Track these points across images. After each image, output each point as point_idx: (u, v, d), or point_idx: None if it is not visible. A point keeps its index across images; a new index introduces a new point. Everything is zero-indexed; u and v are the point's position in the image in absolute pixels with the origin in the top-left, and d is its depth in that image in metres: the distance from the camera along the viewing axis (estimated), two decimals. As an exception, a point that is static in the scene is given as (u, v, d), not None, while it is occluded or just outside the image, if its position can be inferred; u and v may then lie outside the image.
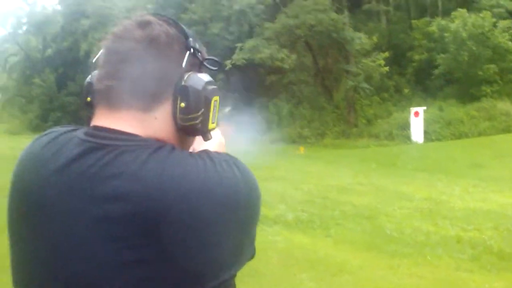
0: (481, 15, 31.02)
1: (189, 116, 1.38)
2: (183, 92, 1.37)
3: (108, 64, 1.38)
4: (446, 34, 31.15)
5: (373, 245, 9.12)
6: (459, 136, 28.06)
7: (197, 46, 1.45)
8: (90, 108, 1.44)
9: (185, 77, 1.38)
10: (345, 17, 34.15)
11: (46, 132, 1.47)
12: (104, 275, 1.21)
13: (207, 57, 1.51)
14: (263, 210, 11.29)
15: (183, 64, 1.38)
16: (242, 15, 39.24)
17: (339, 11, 35.01)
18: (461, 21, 30.69)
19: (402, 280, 7.34)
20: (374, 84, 34.01)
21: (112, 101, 1.36)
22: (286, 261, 8.08)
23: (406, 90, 35.20)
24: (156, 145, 1.30)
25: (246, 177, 1.37)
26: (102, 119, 1.37)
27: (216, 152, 1.43)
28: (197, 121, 1.40)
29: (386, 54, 32.65)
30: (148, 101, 1.35)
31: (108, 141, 1.30)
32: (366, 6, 40.11)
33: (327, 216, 11.31)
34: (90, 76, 1.49)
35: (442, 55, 32.18)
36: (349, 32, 33.16)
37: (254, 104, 38.98)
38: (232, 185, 1.31)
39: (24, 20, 61.25)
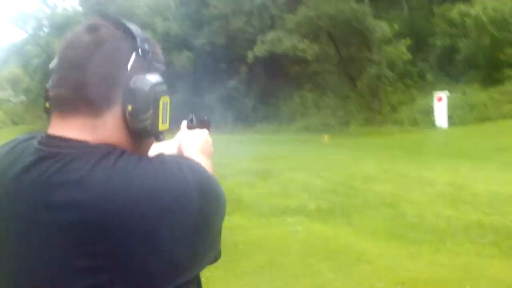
0: (500, -1, 30.64)
1: (138, 119, 1.37)
2: (130, 94, 1.36)
3: (59, 71, 1.38)
4: (467, 20, 30.84)
5: (394, 233, 9.09)
6: (483, 120, 27.66)
7: (146, 46, 1.43)
8: (48, 115, 1.43)
9: (133, 79, 1.37)
10: (365, 6, 33.92)
11: (8, 141, 1.48)
12: (59, 282, 1.22)
13: (157, 57, 1.49)
14: (286, 201, 11.42)
15: (129, 66, 1.37)
16: (264, 8, 39.24)
17: (359, 0, 34.83)
18: (481, 6, 30.36)
19: (421, 268, 7.29)
20: (398, 70, 33.82)
21: (62, 108, 1.36)
22: (305, 251, 8.07)
23: (429, 76, 34.93)
24: (104, 151, 1.30)
25: (199, 180, 1.36)
26: (55, 127, 1.37)
27: (171, 156, 1.44)
28: (147, 123, 1.38)
29: (408, 41, 32.41)
30: (96, 106, 1.34)
31: (58, 149, 1.30)
32: (386, -6, 39.93)
33: (349, 205, 11.30)
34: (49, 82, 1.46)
35: (464, 40, 31.92)
36: (371, 21, 32.98)
37: (279, 95, 39.00)
38: (181, 189, 1.30)
39: (45, 22, 61.50)
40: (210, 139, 2.09)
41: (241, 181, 14.74)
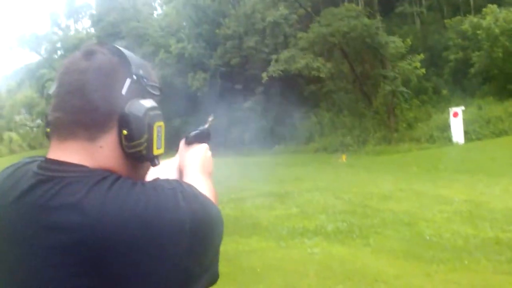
0: (512, 9, 30.56)
1: (133, 143, 1.40)
2: (124, 119, 1.39)
3: (57, 96, 1.42)
4: (478, 32, 30.77)
5: (411, 252, 9.07)
6: (499, 134, 27.58)
7: (140, 72, 1.47)
8: (48, 140, 1.46)
9: (128, 105, 1.40)
10: (377, 22, 33.92)
11: (12, 164, 1.53)
12: None
13: (151, 83, 1.52)
14: (304, 223, 11.43)
15: (124, 91, 1.40)
16: (276, 26, 39.30)
17: (371, 16, 34.86)
18: (492, 17, 30.30)
19: (438, 287, 7.33)
20: (412, 87, 33.69)
21: (60, 132, 1.40)
22: (323, 274, 8.05)
23: (444, 91, 34.77)
24: (100, 176, 1.33)
25: (192, 206, 1.38)
26: (54, 151, 1.41)
27: (165, 181, 1.45)
28: (141, 148, 1.42)
29: (422, 56, 32.31)
30: (93, 130, 1.38)
31: (55, 173, 1.34)
32: (398, 9, 39.91)
33: (366, 225, 11.27)
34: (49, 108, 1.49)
35: (477, 53, 31.80)
36: (383, 37, 32.91)
37: (295, 115, 38.95)
38: (172, 215, 1.32)
39: (59, 44, 61.84)
40: (209, 153, 2.07)
41: (259, 203, 14.74)
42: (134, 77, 1.45)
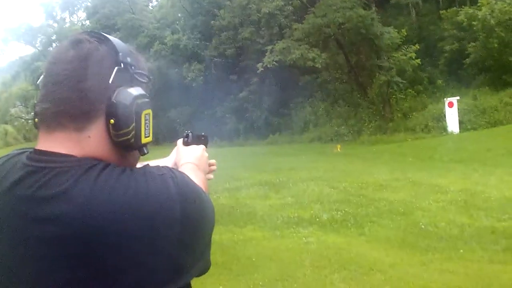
0: (507, 1, 30.40)
1: (120, 132, 1.38)
2: (111, 108, 1.37)
3: (44, 86, 1.39)
4: (474, 23, 30.72)
5: (407, 241, 9.11)
6: (494, 124, 27.58)
7: (128, 60, 1.44)
8: (37, 130, 1.44)
9: (115, 93, 1.38)
10: (373, 13, 33.85)
11: (1, 156, 1.52)
12: None
13: (139, 70, 1.49)
14: (299, 212, 11.43)
15: (110, 80, 1.38)
16: (272, 17, 39.23)
17: (366, 7, 34.79)
18: (488, 8, 30.23)
19: (433, 276, 7.31)
20: (408, 77, 33.67)
21: (48, 123, 1.38)
22: (318, 263, 8.07)
23: (439, 81, 34.77)
24: (88, 165, 1.31)
25: (183, 192, 1.36)
26: (43, 141, 1.39)
27: (155, 167, 1.43)
28: (129, 136, 1.39)
29: (417, 46, 32.29)
30: (80, 120, 1.35)
31: (44, 163, 1.32)
32: (394, 0, 39.89)
33: (361, 214, 11.30)
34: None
35: (473, 44, 31.80)
36: (378, 28, 32.86)
37: (290, 105, 38.99)
38: (162, 202, 1.30)
39: (54, 37, 61.74)
40: (206, 154, 2.07)
41: (254, 193, 14.76)
42: (122, 65, 1.42)
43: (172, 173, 1.41)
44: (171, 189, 1.34)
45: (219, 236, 9.50)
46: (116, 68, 1.40)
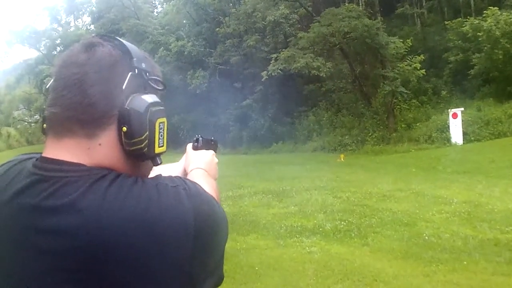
0: (512, 12, 30.50)
1: (133, 141, 1.33)
2: (124, 115, 1.32)
3: (54, 90, 1.35)
4: (479, 34, 30.68)
5: (410, 252, 9.07)
6: (498, 135, 27.41)
7: (143, 66, 1.40)
8: (45, 136, 1.39)
9: (128, 100, 1.34)
10: (378, 22, 33.85)
11: (8, 160, 1.47)
12: None
13: (154, 77, 1.45)
14: (302, 221, 11.43)
15: (124, 86, 1.34)
16: (277, 25, 39.32)
17: (372, 16, 34.83)
18: (493, 20, 30.21)
19: None
20: (412, 87, 33.61)
21: (57, 129, 1.34)
22: (321, 273, 8.05)
23: (444, 92, 34.74)
24: (99, 175, 1.27)
25: (196, 205, 1.32)
26: (50, 148, 1.34)
27: (168, 178, 1.38)
28: (142, 145, 1.35)
29: (422, 57, 32.24)
30: (91, 127, 1.31)
31: (52, 172, 1.28)
32: (399, 10, 39.95)
33: (365, 225, 11.28)
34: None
35: (477, 55, 31.72)
36: (383, 37, 32.84)
37: (294, 114, 39.00)
38: (176, 216, 1.26)
39: (58, 41, 61.88)
40: (216, 160, 2.04)
41: (257, 201, 14.77)
42: (136, 70, 1.38)
43: (186, 185, 1.37)
44: (185, 202, 1.30)
45: (222, 244, 9.48)
46: (130, 73, 1.36)
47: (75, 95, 1.30)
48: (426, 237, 9.96)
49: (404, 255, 8.98)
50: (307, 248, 9.60)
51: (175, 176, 1.42)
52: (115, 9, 54.37)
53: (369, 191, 15.51)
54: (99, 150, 1.32)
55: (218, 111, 42.46)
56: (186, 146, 2.11)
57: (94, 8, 65.79)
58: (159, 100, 1.41)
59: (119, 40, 1.42)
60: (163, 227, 1.23)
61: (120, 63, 1.36)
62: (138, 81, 1.38)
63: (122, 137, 1.33)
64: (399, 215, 11.95)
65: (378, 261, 8.70)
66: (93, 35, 1.44)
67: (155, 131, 1.38)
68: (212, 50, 45.76)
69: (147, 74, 1.42)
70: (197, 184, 1.44)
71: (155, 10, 65.73)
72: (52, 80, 1.38)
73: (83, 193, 1.22)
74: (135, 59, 1.39)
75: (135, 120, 1.33)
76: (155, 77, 1.45)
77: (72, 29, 67.94)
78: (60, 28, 69.37)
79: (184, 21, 52.71)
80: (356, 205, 13.48)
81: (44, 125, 1.39)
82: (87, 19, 72.26)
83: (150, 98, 1.38)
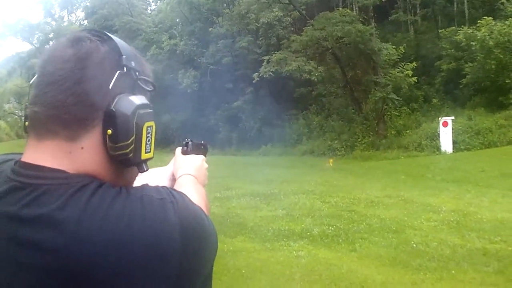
0: (507, 22, 30.74)
1: (118, 145, 1.24)
2: (110, 117, 1.23)
3: (37, 87, 1.26)
4: (473, 43, 30.89)
5: (398, 260, 9.03)
6: (488, 145, 27.62)
7: (132, 64, 1.31)
8: (27, 135, 1.30)
9: (115, 101, 1.25)
10: (372, 28, 33.97)
11: None
12: None
13: (144, 77, 1.35)
14: (290, 225, 11.38)
15: (110, 85, 1.24)
16: (270, 28, 39.38)
17: (365, 22, 34.90)
18: (487, 30, 30.48)
19: (425, 296, 7.29)
20: (403, 94, 33.78)
21: (38, 130, 1.25)
22: (309, 277, 8.02)
23: (435, 100, 34.98)
24: (80, 183, 1.19)
25: (183, 219, 1.23)
26: (30, 152, 1.26)
27: (154, 189, 1.28)
28: (128, 150, 1.25)
29: (414, 64, 32.36)
30: (73, 128, 1.22)
31: (30, 179, 1.20)
32: (393, 17, 40.08)
33: (353, 230, 11.25)
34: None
35: (470, 64, 31.96)
36: (376, 43, 32.97)
37: (284, 117, 39.02)
38: (160, 231, 1.17)
39: (51, 35, 61.83)
40: (205, 165, 1.96)
41: (245, 203, 14.75)
42: (124, 69, 1.28)
43: (173, 197, 1.27)
44: (171, 217, 1.20)
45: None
46: (118, 72, 1.27)
47: (58, 93, 1.22)
48: (414, 245, 9.94)
49: (392, 262, 8.94)
50: (294, 252, 9.56)
51: (162, 187, 1.32)
52: (109, 5, 54.68)
53: (358, 197, 15.50)
54: (81, 154, 1.24)
55: (208, 112, 42.56)
56: (175, 147, 2.03)
57: (88, 3, 66.04)
58: (148, 102, 1.32)
59: (109, 35, 1.34)
60: (146, 245, 1.14)
61: (108, 60, 1.27)
62: (126, 80, 1.29)
63: (107, 140, 1.24)
64: (387, 222, 11.93)
65: (365, 267, 8.66)
66: (81, 29, 1.37)
67: (142, 135, 1.28)
68: (204, 50, 45.84)
69: (137, 73, 1.33)
70: (185, 195, 1.34)
71: (149, 8, 66.08)
72: (35, 75, 1.29)
73: (62, 204, 1.14)
74: (124, 56, 1.30)
75: (121, 123, 1.24)
76: (145, 77, 1.36)
77: (65, 23, 67.88)
78: (53, 22, 69.34)
79: (177, 20, 52.87)
80: (344, 211, 13.45)
81: (26, 123, 1.31)
82: (80, 14, 72.55)
83: (138, 99, 1.29)
